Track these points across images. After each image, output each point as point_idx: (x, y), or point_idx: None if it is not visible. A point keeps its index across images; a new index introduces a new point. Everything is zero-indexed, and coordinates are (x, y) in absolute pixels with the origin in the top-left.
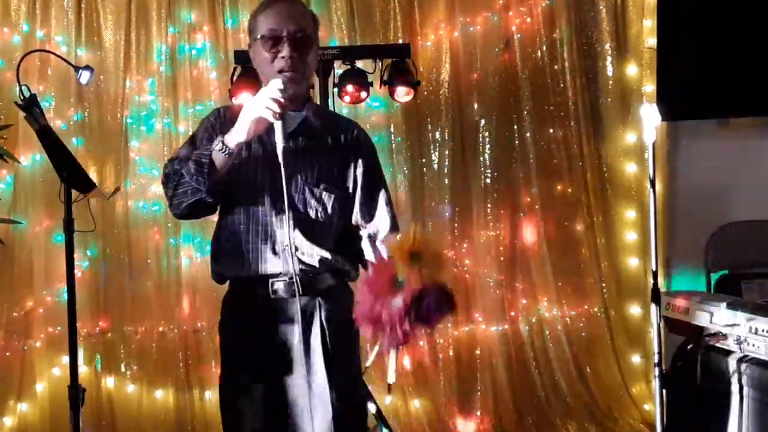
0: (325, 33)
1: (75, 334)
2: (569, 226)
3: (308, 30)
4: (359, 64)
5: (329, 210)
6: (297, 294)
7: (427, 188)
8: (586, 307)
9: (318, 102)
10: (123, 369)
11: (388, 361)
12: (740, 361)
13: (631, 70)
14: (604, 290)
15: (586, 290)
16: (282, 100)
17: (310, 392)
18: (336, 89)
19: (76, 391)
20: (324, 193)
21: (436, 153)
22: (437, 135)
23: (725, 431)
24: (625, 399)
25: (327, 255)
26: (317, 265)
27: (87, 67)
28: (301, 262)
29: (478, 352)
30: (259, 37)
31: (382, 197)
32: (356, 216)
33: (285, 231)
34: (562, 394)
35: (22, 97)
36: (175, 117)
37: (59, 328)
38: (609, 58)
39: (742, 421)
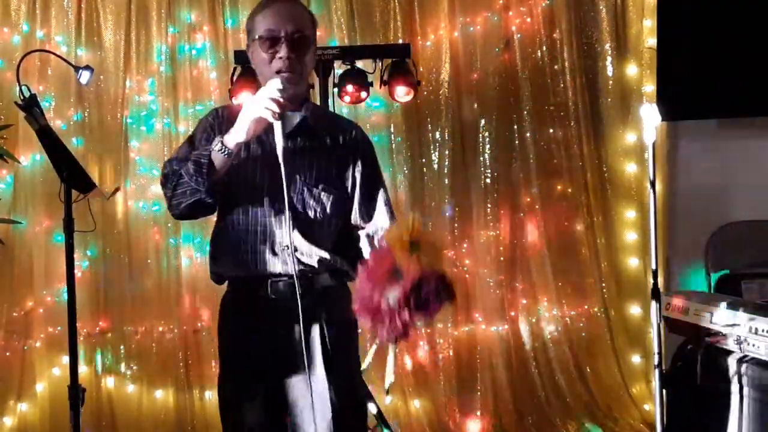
0: (325, 33)
1: (75, 334)
2: (569, 226)
3: (306, 30)
4: (359, 64)
5: (328, 210)
6: (297, 294)
7: (427, 188)
8: (586, 307)
9: (318, 102)
10: (123, 369)
11: (387, 359)
12: (740, 361)
13: (631, 70)
14: (604, 290)
15: (586, 290)
16: (281, 100)
17: (310, 392)
18: (336, 89)
19: (76, 391)
20: (323, 193)
21: (436, 153)
22: (437, 135)
23: (725, 431)
24: (625, 399)
25: (326, 255)
26: (316, 265)
27: (87, 67)
28: (300, 262)
29: (478, 352)
30: (257, 37)
31: (381, 197)
32: (355, 216)
33: (284, 231)
34: (562, 394)
35: (22, 97)
36: (175, 117)
37: (59, 328)
38: (609, 58)
39: (742, 421)
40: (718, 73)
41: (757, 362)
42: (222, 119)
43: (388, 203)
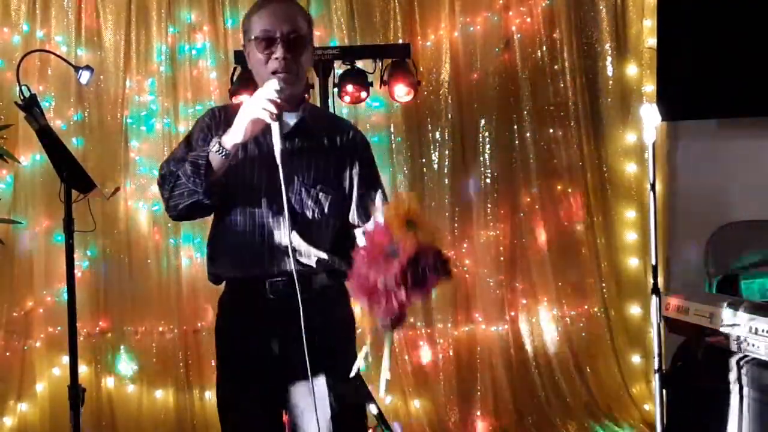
0: (325, 33)
1: (75, 334)
2: (569, 226)
3: (302, 31)
4: (359, 64)
5: (326, 211)
6: (295, 294)
7: (427, 188)
8: (586, 307)
9: (318, 102)
10: (123, 369)
11: (383, 355)
12: (740, 361)
13: (631, 70)
14: (604, 290)
15: (586, 290)
16: (279, 100)
17: (309, 393)
18: (336, 89)
19: (76, 391)
20: (321, 194)
21: (436, 153)
22: (437, 135)
23: (725, 431)
24: (625, 399)
25: (324, 255)
26: (314, 265)
27: (87, 67)
28: (298, 262)
29: (478, 352)
30: (252, 38)
31: (378, 197)
32: (353, 216)
33: (282, 232)
34: (562, 394)
35: (22, 97)
36: (175, 117)
37: (59, 328)
38: (609, 58)
39: (742, 421)
40: (718, 73)
41: (757, 362)
42: (219, 119)
43: (386, 203)
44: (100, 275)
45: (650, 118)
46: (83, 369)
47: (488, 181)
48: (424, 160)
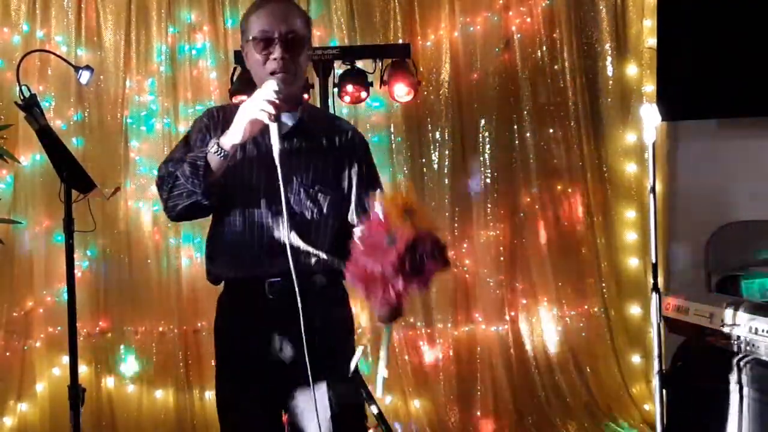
0: (325, 33)
1: (75, 334)
2: (569, 226)
3: (300, 31)
4: (359, 64)
5: (325, 211)
6: (294, 294)
7: (427, 188)
8: (586, 307)
9: (318, 102)
10: (123, 369)
11: (380, 351)
12: (740, 361)
13: (631, 70)
14: (604, 290)
15: (586, 290)
16: (277, 101)
17: (309, 393)
18: (336, 89)
19: (76, 391)
20: (319, 194)
21: (436, 153)
22: (437, 135)
23: (725, 431)
24: (625, 399)
25: (323, 255)
26: (313, 265)
27: (87, 67)
28: (297, 263)
29: (478, 352)
30: (250, 38)
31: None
32: (352, 216)
33: (281, 232)
34: (562, 394)
35: (22, 97)
36: (175, 117)
37: (59, 328)
38: (609, 58)
39: (742, 421)
40: (718, 73)
41: (757, 362)
42: (217, 120)
43: (383, 193)
44: (100, 275)
45: (650, 118)
46: (83, 369)
47: (488, 181)
48: (424, 160)
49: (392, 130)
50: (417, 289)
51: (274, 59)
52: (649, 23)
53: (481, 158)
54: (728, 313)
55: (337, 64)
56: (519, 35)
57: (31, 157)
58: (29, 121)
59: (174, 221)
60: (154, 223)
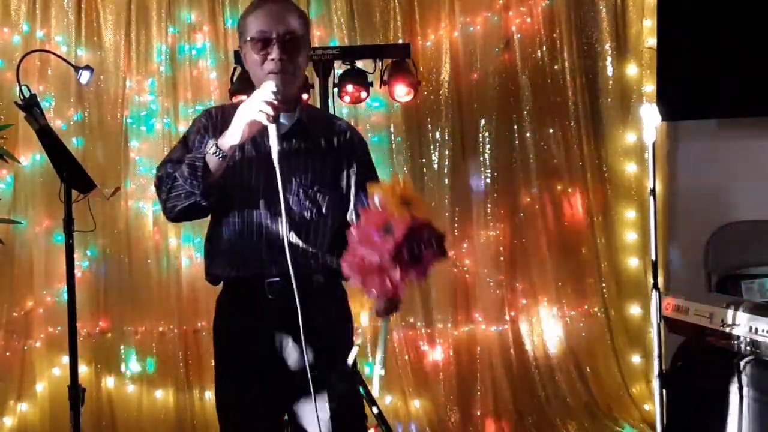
0: (325, 33)
1: (75, 334)
2: (569, 226)
3: (298, 31)
4: (359, 64)
5: (323, 211)
6: (293, 294)
7: (427, 188)
8: (586, 307)
9: (318, 102)
10: (123, 369)
11: (377, 347)
12: (740, 361)
13: (631, 70)
14: (604, 290)
15: (586, 290)
16: (275, 102)
17: (309, 393)
18: (336, 89)
19: (76, 391)
20: (318, 194)
21: (436, 153)
22: (437, 135)
23: (725, 431)
24: (625, 399)
25: (322, 255)
26: (312, 265)
27: (87, 67)
28: (296, 263)
29: (478, 352)
30: (248, 39)
31: (376, 197)
32: (351, 216)
33: (280, 232)
34: (562, 394)
35: (22, 97)
36: (175, 117)
37: (59, 328)
38: (609, 58)
39: (742, 421)
40: (718, 73)
41: (757, 362)
42: (216, 120)
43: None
44: (100, 275)
45: (650, 118)
46: (83, 369)
47: (488, 181)
48: (424, 160)
49: (392, 130)
50: (415, 278)
51: (272, 60)
52: (649, 23)
53: (481, 158)
54: (728, 313)
55: (337, 64)
56: (519, 35)
57: (31, 157)
58: (29, 121)
59: (172, 222)
60: (154, 223)
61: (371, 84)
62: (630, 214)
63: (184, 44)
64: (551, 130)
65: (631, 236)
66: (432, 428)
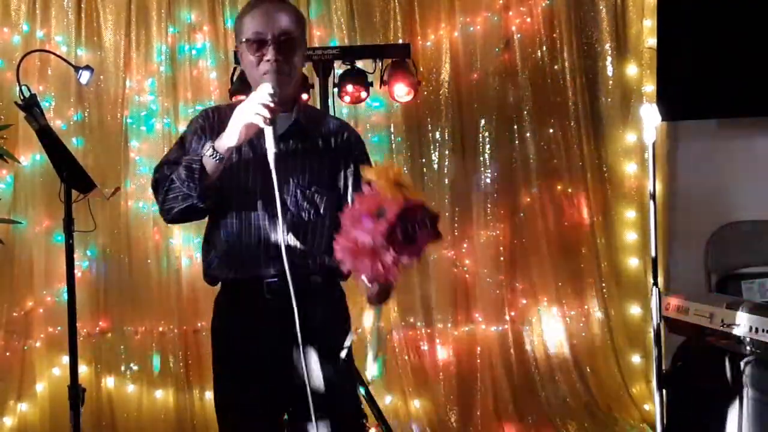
0: (325, 33)
1: (75, 334)
2: (569, 226)
3: (293, 32)
4: (359, 64)
5: (321, 211)
6: (291, 295)
7: (427, 188)
8: (586, 307)
9: (318, 102)
10: (123, 369)
11: (368, 341)
12: (740, 361)
13: (631, 70)
14: (604, 290)
15: (586, 290)
16: (272, 104)
17: (308, 393)
18: (336, 89)
19: (76, 391)
20: (316, 195)
21: (436, 153)
22: (437, 135)
23: (725, 431)
24: (625, 399)
25: (320, 255)
26: (310, 266)
27: (87, 67)
28: (294, 263)
29: (478, 352)
30: (244, 40)
31: None
32: None
33: (278, 233)
34: (562, 394)
35: (22, 97)
36: (175, 117)
37: (59, 328)
38: (609, 58)
39: (742, 421)
40: (718, 73)
41: (757, 362)
42: (213, 120)
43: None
44: (100, 275)
45: (650, 118)
46: (83, 369)
47: (488, 181)
48: (424, 160)
49: (392, 130)
50: (408, 260)
51: (268, 61)
52: (649, 23)
53: (481, 158)
54: (728, 313)
55: (337, 64)
56: (519, 35)
57: (31, 157)
58: (29, 121)
59: (169, 224)
60: (154, 223)
61: (371, 84)
62: (630, 214)
63: (184, 44)
64: (551, 130)
65: (631, 236)
66: (432, 428)
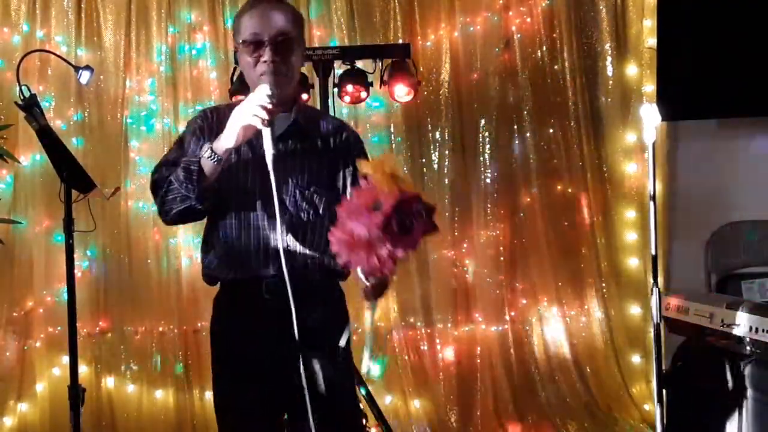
0: (325, 33)
1: (75, 334)
2: (569, 226)
3: (291, 32)
4: (359, 64)
5: (320, 211)
6: (290, 295)
7: (427, 188)
8: (586, 307)
9: (318, 102)
10: (123, 369)
11: (365, 338)
12: (740, 361)
13: (631, 70)
14: (604, 290)
15: (586, 290)
16: (270, 106)
17: (307, 393)
18: (336, 89)
19: (76, 391)
20: (315, 195)
21: (436, 153)
22: (437, 135)
23: (725, 431)
24: (625, 399)
25: (319, 256)
26: (309, 265)
27: (87, 67)
28: (293, 264)
29: (478, 352)
30: (241, 41)
31: None
32: None
33: (277, 234)
34: (562, 394)
35: (22, 97)
36: (175, 117)
37: (59, 328)
38: (609, 58)
39: (742, 421)
40: (718, 73)
41: (757, 362)
42: (211, 121)
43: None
44: (100, 275)
45: (650, 118)
46: (83, 369)
47: (488, 181)
48: (424, 160)
49: (392, 130)
50: (404, 252)
51: (265, 62)
52: (649, 23)
53: (481, 158)
54: (728, 313)
55: (337, 64)
56: (519, 35)
57: (31, 157)
58: (29, 121)
59: (168, 225)
60: (154, 223)
61: (371, 84)
62: (630, 214)
63: (184, 44)
64: (551, 130)
65: (631, 236)
66: (432, 428)
